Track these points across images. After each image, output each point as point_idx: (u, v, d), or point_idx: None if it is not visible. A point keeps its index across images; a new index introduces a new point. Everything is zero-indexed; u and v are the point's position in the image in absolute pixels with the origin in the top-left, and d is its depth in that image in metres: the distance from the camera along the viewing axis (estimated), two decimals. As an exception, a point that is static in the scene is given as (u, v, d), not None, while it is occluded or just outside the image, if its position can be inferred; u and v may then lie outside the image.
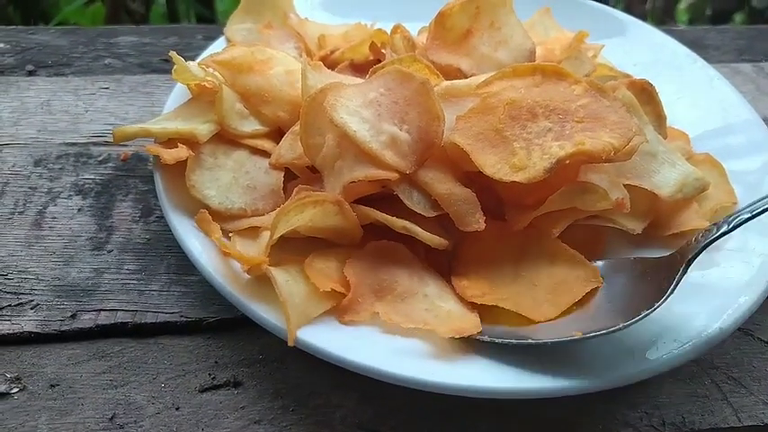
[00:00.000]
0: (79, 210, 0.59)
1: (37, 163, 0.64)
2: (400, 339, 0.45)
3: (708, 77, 0.68)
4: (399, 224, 0.47)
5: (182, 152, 0.52)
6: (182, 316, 0.51)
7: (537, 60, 0.62)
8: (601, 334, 0.42)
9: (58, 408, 0.45)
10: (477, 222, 0.47)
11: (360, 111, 0.49)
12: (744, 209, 0.45)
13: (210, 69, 0.56)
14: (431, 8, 0.61)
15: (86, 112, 0.70)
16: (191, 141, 0.53)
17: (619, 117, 0.49)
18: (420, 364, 0.42)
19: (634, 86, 0.57)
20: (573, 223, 0.50)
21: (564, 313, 0.45)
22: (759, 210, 0.44)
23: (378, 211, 0.48)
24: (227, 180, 0.53)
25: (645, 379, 0.43)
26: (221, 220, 0.51)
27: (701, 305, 0.47)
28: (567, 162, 0.46)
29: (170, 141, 0.54)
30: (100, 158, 0.65)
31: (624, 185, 0.50)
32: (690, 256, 0.44)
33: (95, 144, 0.66)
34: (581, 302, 0.46)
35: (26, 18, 1.53)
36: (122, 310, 0.51)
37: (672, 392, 0.48)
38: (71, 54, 0.79)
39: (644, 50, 0.72)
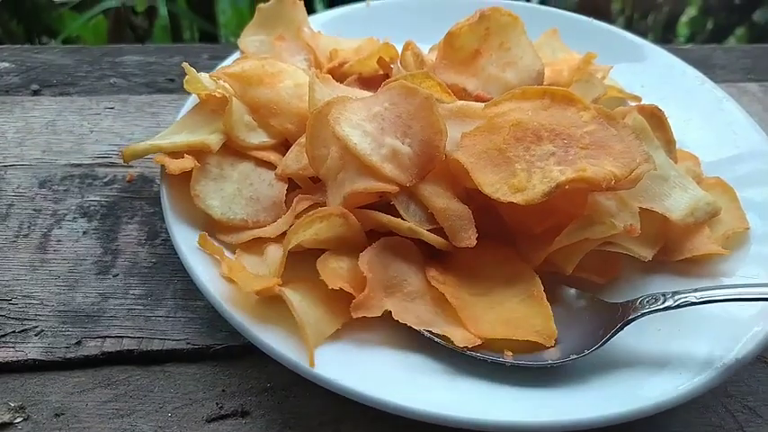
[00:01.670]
0: (84, 233, 0.59)
1: (41, 184, 0.64)
2: (410, 368, 0.44)
3: (716, 99, 0.67)
4: (405, 226, 0.48)
5: (187, 162, 0.53)
6: (188, 343, 0.50)
7: (545, 82, 0.62)
8: (529, 365, 0.44)
9: (63, 438, 0.44)
10: (470, 239, 0.47)
11: (363, 124, 0.49)
12: (693, 290, 0.44)
13: (221, 81, 0.57)
14: (443, 29, 0.61)
15: (91, 132, 0.70)
16: (201, 152, 0.54)
17: (624, 146, 0.49)
18: (437, 398, 0.42)
19: (643, 112, 0.57)
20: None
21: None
22: (707, 299, 0.44)
23: (383, 214, 0.48)
24: (231, 191, 0.53)
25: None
26: (222, 230, 0.52)
27: (716, 334, 0.46)
28: (567, 187, 0.46)
29: (176, 154, 0.54)
30: (105, 180, 0.64)
31: (635, 208, 0.50)
32: (630, 318, 0.44)
33: (101, 165, 0.66)
34: (532, 349, 0.45)
35: (29, 33, 1.53)
36: (128, 336, 0.50)
37: (686, 421, 0.48)
38: (76, 73, 0.79)
39: (652, 72, 0.72)
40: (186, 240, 0.50)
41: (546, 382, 0.44)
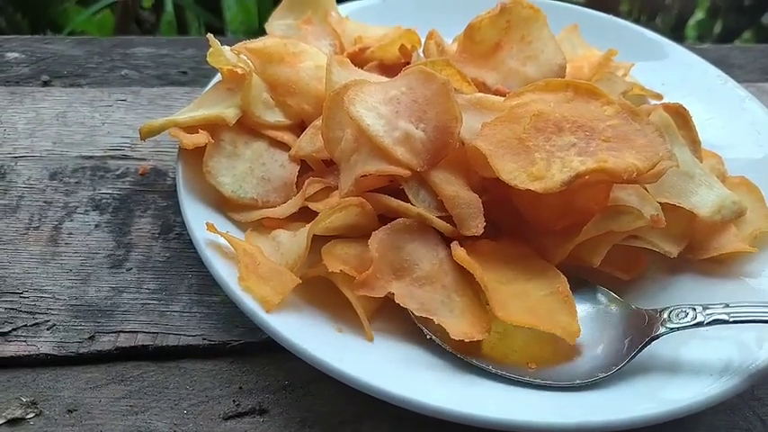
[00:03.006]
0: (96, 225, 0.58)
1: (52, 176, 0.62)
2: (435, 366, 0.43)
3: (739, 98, 0.67)
4: (414, 211, 0.47)
5: (201, 138, 0.53)
6: (204, 339, 0.49)
7: (566, 77, 0.61)
8: (554, 385, 0.42)
9: (76, 434, 0.43)
10: (477, 227, 0.47)
11: (378, 107, 0.49)
12: (725, 305, 0.42)
13: (242, 56, 0.57)
14: (463, 23, 0.60)
15: (103, 124, 0.69)
16: (217, 126, 0.54)
17: (647, 141, 0.48)
18: (460, 396, 0.41)
19: (668, 110, 0.56)
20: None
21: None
22: (738, 319, 0.42)
23: (393, 199, 0.48)
24: (243, 169, 0.54)
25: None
26: (233, 208, 0.52)
27: (744, 336, 0.45)
28: (587, 178, 0.45)
29: (191, 130, 0.54)
30: (117, 172, 0.63)
31: (661, 207, 0.49)
32: (656, 334, 0.43)
33: (113, 158, 0.65)
34: (553, 359, 0.44)
35: (34, 26, 1.52)
36: (143, 331, 0.49)
37: (713, 425, 0.47)
38: (87, 64, 0.78)
39: (672, 70, 0.71)
40: (204, 234, 0.48)
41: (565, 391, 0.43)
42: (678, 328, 0.43)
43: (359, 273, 0.45)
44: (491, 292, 0.44)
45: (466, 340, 0.43)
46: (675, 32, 1.88)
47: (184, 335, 0.49)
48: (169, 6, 1.64)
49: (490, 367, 0.43)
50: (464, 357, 0.43)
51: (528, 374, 0.43)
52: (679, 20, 1.88)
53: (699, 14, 1.93)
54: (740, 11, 1.79)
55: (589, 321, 0.46)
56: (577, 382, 0.42)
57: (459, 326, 0.44)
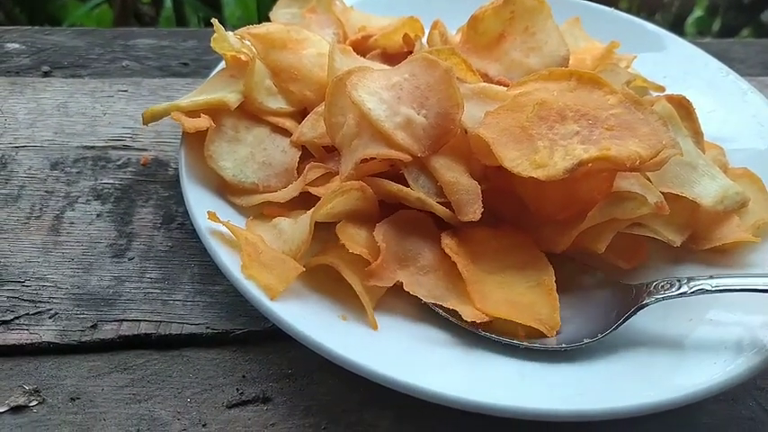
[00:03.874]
0: (98, 215, 0.58)
1: (54, 166, 0.62)
2: (439, 353, 0.44)
3: (741, 91, 0.67)
4: (414, 196, 0.47)
5: (203, 122, 0.53)
6: (207, 327, 0.49)
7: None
8: (540, 348, 0.43)
9: (79, 422, 0.43)
10: (474, 213, 0.47)
11: (380, 92, 0.49)
12: (709, 277, 0.44)
13: (246, 42, 0.57)
14: (467, 16, 0.60)
15: (104, 114, 0.69)
16: (219, 111, 0.54)
17: (650, 129, 0.48)
18: (464, 383, 0.41)
19: (671, 101, 0.56)
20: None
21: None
22: (721, 288, 0.43)
23: (393, 183, 0.48)
24: (245, 154, 0.54)
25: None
26: (234, 192, 0.52)
27: (749, 324, 0.45)
28: (590, 166, 0.45)
29: (193, 114, 0.54)
30: (119, 163, 0.63)
31: (664, 196, 0.49)
32: (643, 302, 0.44)
33: (114, 148, 0.65)
34: (529, 335, 0.45)
35: (32, 20, 1.51)
36: (145, 320, 0.49)
37: (714, 413, 0.47)
38: (87, 55, 0.78)
39: (674, 63, 0.71)
40: (207, 222, 0.48)
41: (569, 365, 0.43)
42: (663, 298, 0.44)
43: (373, 257, 0.45)
44: (471, 284, 0.45)
45: (478, 321, 0.44)
46: (674, 30, 1.87)
47: (187, 323, 0.49)
48: (168, 2, 1.64)
49: (480, 331, 0.44)
50: (457, 321, 0.44)
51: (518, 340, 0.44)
52: (678, 17, 1.88)
53: (698, 12, 1.93)
54: (739, 8, 1.79)
55: (576, 295, 0.47)
56: (563, 346, 0.43)
57: (469, 308, 0.45)
